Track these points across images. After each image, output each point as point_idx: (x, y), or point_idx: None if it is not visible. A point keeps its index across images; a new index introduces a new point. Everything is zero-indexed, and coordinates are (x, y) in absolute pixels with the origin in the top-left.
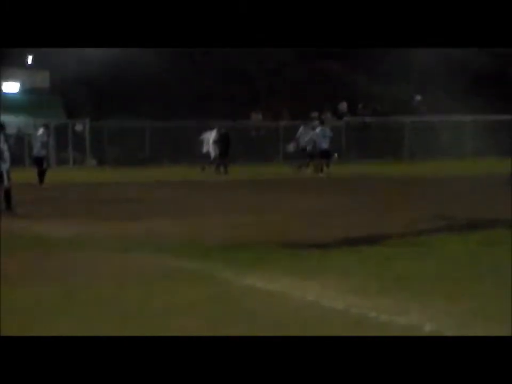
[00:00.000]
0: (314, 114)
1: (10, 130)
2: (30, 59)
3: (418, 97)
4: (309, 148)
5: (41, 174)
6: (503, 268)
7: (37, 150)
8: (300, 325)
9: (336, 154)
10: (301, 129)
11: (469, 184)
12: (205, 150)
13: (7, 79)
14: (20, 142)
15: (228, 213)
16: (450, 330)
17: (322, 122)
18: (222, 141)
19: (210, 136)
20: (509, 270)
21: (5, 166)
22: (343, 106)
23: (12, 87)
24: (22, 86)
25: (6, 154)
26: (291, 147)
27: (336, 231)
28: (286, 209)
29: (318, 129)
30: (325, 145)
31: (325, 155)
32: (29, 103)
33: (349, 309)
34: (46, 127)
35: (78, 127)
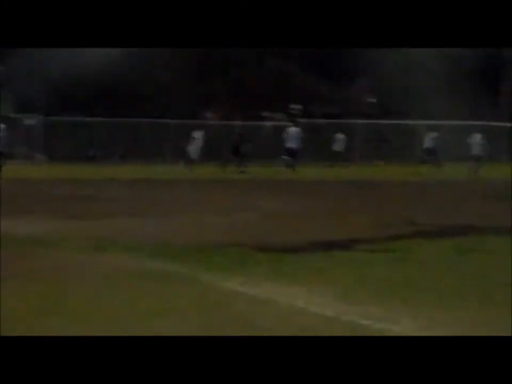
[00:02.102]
0: (266, 114)
1: None
2: None
3: (372, 100)
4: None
5: None
6: (486, 277)
7: None
8: (294, 333)
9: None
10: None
11: (431, 189)
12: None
13: None
14: None
15: (194, 213)
16: None
17: (294, 123)
18: (239, 141)
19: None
20: (492, 278)
21: None
22: (296, 107)
23: None
24: None
25: None
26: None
27: (307, 235)
28: (253, 211)
29: (290, 130)
30: (294, 145)
31: (293, 154)
32: None
33: (340, 316)
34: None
35: (29, 121)
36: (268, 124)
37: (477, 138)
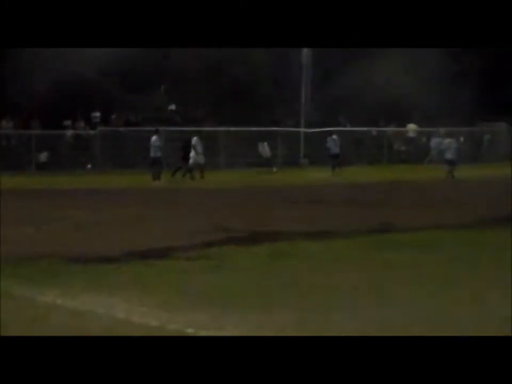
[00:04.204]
0: (67, 123)
1: None
2: None
3: (172, 107)
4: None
5: None
6: (301, 280)
7: None
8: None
9: (89, 165)
10: (154, 138)
11: (238, 196)
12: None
13: None
14: None
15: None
16: None
17: (157, 131)
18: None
19: None
20: (306, 281)
21: None
22: (96, 115)
23: None
24: None
25: None
26: (43, 156)
27: (122, 244)
28: (63, 221)
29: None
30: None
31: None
32: None
33: (165, 325)
34: None
35: None
36: (68, 132)
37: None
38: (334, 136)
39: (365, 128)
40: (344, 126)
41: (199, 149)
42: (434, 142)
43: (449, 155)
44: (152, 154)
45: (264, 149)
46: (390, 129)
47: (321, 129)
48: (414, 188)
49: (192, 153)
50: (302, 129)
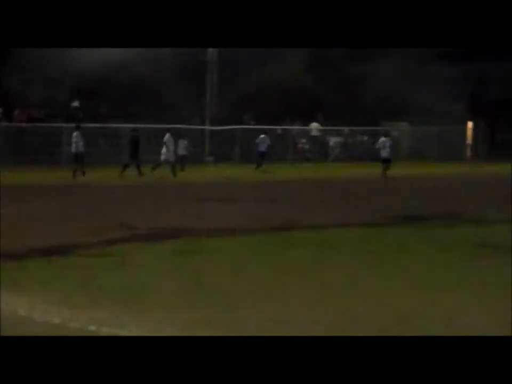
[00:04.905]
0: None
1: None
2: None
3: (75, 104)
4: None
5: None
6: (204, 277)
7: None
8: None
9: None
10: (75, 134)
11: (143, 193)
12: None
13: None
14: None
15: None
16: None
17: (78, 128)
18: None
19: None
20: (208, 279)
21: None
22: None
23: None
24: None
25: None
26: None
27: (24, 241)
28: None
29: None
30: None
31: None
32: None
33: (67, 323)
34: None
35: None
36: None
37: (182, 143)
38: (263, 135)
39: (270, 127)
40: (249, 124)
41: (171, 146)
42: (333, 140)
43: (384, 153)
44: (73, 150)
45: (181, 146)
46: (295, 127)
47: (226, 127)
48: (319, 186)
49: (163, 150)
50: (207, 127)
